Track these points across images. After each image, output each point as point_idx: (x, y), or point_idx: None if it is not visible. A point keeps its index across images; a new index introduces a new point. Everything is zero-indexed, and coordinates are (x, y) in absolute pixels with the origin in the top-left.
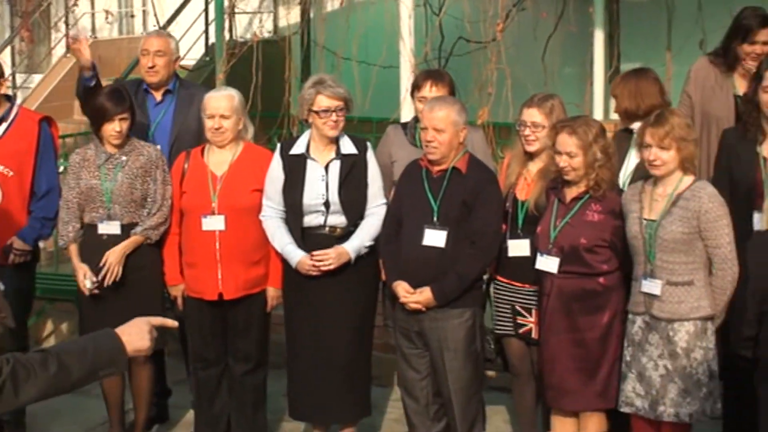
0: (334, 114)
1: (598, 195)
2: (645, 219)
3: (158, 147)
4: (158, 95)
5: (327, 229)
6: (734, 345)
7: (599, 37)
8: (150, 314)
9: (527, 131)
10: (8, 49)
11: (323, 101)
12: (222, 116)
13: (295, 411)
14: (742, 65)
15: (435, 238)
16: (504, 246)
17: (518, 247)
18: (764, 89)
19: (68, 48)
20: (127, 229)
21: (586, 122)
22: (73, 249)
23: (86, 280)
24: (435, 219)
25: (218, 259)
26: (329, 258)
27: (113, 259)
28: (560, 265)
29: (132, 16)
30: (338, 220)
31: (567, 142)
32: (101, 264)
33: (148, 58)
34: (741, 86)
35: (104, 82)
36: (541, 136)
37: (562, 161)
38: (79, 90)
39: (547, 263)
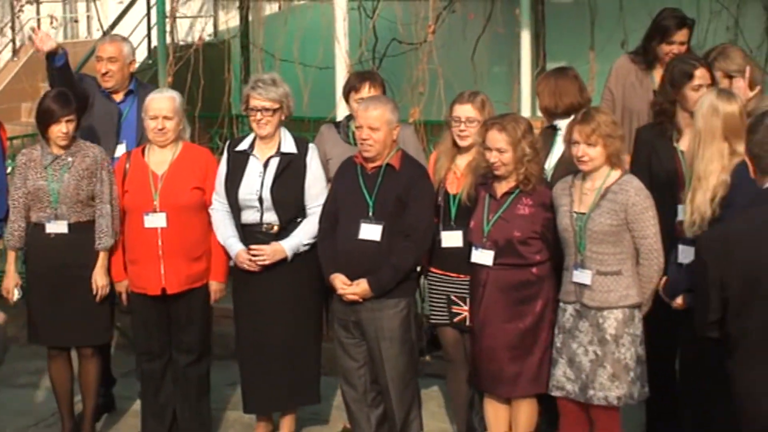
0: (259, 114)
1: (528, 189)
2: (575, 212)
3: (101, 148)
4: (118, 96)
5: (264, 226)
6: (700, 329)
7: (526, 38)
8: (98, 309)
9: (462, 126)
10: None
11: (253, 101)
12: (165, 117)
13: (246, 403)
14: (661, 63)
15: (371, 232)
16: (438, 238)
17: (451, 239)
18: (694, 88)
19: (14, 53)
20: (73, 229)
21: (514, 119)
22: (12, 256)
23: (15, 290)
24: (370, 214)
25: (161, 255)
26: (264, 253)
27: (102, 282)
28: (495, 258)
29: (76, 21)
30: (272, 217)
31: (497, 138)
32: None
33: (102, 64)
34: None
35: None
36: (473, 131)
37: (493, 157)
38: (53, 75)
39: (482, 256)
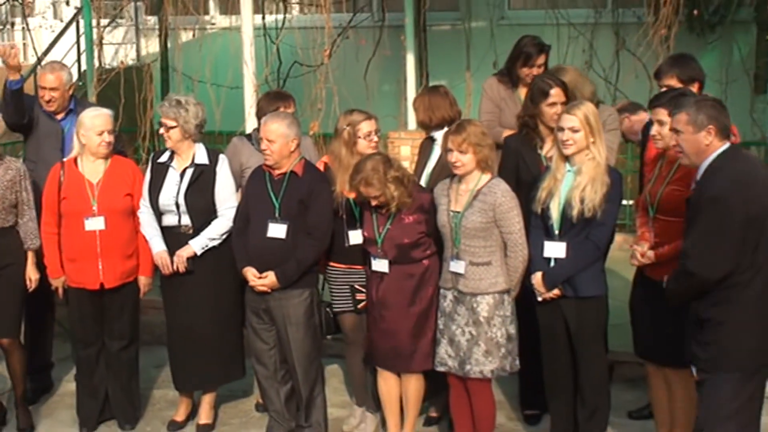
0: (162, 128)
1: (404, 207)
2: (452, 210)
3: (21, 161)
4: (59, 115)
5: (181, 228)
6: (706, 285)
7: (410, 60)
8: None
9: (374, 138)
10: None
11: (162, 118)
12: (108, 132)
13: (175, 381)
14: (523, 84)
15: (277, 230)
16: (346, 236)
17: (356, 237)
18: (549, 105)
19: None
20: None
21: (375, 166)
22: None
23: None
24: (277, 215)
25: (99, 254)
26: (178, 260)
27: (35, 276)
28: (390, 264)
29: (12, 47)
30: (187, 220)
31: (371, 186)
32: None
33: (45, 92)
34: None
35: None
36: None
37: (371, 198)
38: (6, 95)
39: (380, 265)
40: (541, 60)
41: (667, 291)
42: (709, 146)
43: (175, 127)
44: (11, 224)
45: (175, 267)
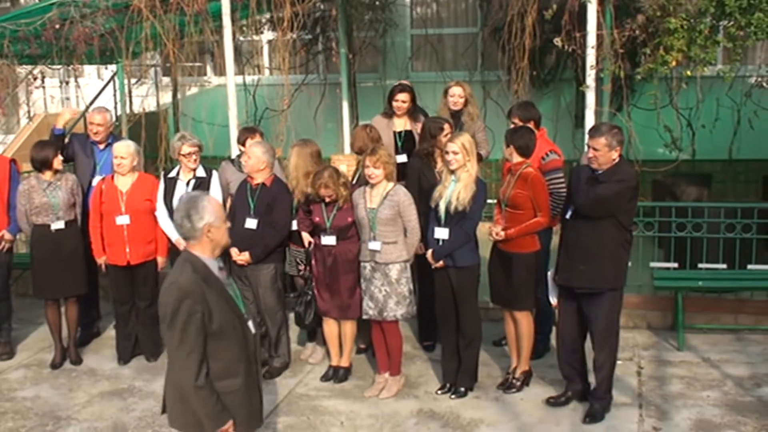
0: (194, 155)
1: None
2: (369, 207)
3: (73, 176)
4: (102, 146)
5: None
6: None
7: (345, 106)
8: (81, 272)
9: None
10: None
11: (185, 149)
12: (122, 157)
13: None
14: (397, 116)
15: (251, 223)
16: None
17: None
18: (445, 135)
19: (29, 119)
20: (67, 225)
21: (330, 174)
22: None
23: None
24: (251, 212)
25: (126, 241)
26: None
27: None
28: (336, 240)
29: (67, 98)
30: None
31: (324, 191)
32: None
33: (92, 126)
34: (398, 126)
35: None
36: None
37: (324, 193)
38: (52, 136)
39: (329, 240)
40: (403, 96)
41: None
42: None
43: (199, 151)
44: (73, 218)
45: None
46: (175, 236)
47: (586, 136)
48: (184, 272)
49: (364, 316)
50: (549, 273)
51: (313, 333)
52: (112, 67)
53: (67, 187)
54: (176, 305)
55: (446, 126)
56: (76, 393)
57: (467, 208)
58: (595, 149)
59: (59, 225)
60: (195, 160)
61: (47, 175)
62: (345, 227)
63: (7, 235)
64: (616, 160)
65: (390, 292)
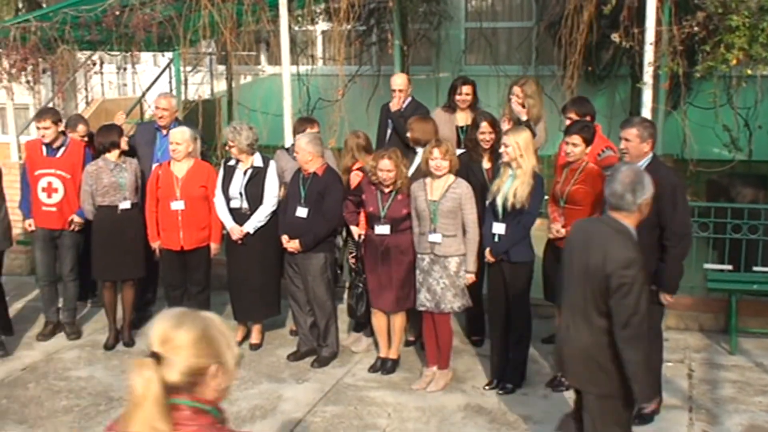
0: (233, 148)
1: (403, 189)
2: (430, 200)
3: (135, 161)
4: (165, 131)
5: (242, 209)
6: None
7: None
8: (141, 256)
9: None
10: (51, 104)
11: (228, 141)
12: (177, 143)
13: (234, 314)
14: (460, 109)
15: (302, 212)
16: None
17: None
18: (481, 132)
19: (87, 103)
20: (132, 206)
21: (394, 150)
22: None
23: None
24: (302, 201)
25: (180, 226)
26: (236, 235)
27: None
28: (390, 231)
29: (125, 84)
30: (246, 204)
31: (386, 164)
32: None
33: (158, 111)
34: (461, 120)
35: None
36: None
37: (384, 174)
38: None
39: (382, 229)
40: (467, 89)
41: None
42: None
43: (233, 146)
44: (136, 201)
45: (235, 238)
46: (230, 224)
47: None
48: (627, 243)
49: (420, 308)
50: None
51: (363, 324)
52: (169, 55)
53: (132, 170)
54: (635, 274)
55: (484, 123)
56: (128, 375)
57: (525, 205)
58: (626, 140)
59: (126, 205)
60: (231, 149)
61: (114, 156)
62: (400, 218)
63: (77, 218)
64: (648, 153)
65: (449, 285)
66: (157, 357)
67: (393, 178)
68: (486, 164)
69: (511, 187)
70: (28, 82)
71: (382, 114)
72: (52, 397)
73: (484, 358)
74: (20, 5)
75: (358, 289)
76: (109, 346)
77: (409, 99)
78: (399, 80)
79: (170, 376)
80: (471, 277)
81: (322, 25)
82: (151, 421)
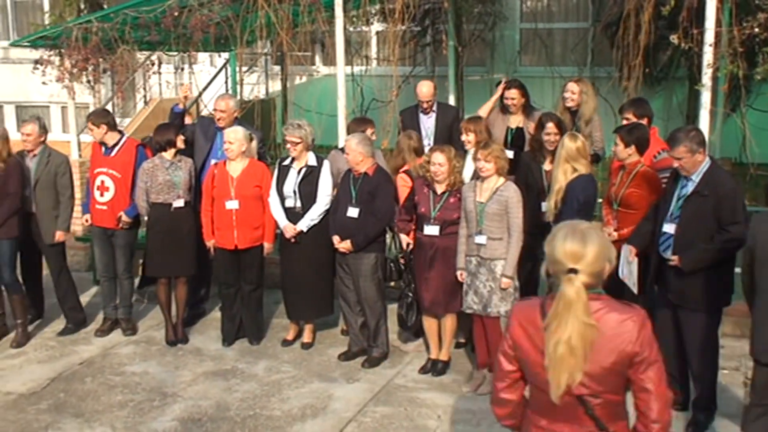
0: (290, 145)
1: (456, 189)
2: (477, 201)
3: (190, 160)
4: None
5: (296, 208)
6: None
7: (452, 99)
8: (193, 253)
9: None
10: (110, 104)
11: (286, 137)
12: (230, 142)
13: (288, 313)
14: (509, 110)
15: (353, 212)
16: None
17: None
18: (546, 133)
19: (146, 103)
20: (186, 204)
21: (447, 146)
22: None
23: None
24: (354, 201)
25: (234, 225)
26: (292, 235)
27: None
28: (439, 231)
29: (181, 84)
30: (299, 203)
31: (439, 157)
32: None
33: (216, 113)
34: (513, 122)
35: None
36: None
37: (436, 168)
38: (171, 115)
39: (431, 230)
40: (513, 93)
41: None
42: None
43: (300, 142)
44: (189, 200)
45: (288, 236)
46: (284, 222)
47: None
48: None
49: (467, 310)
50: (625, 248)
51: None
52: (225, 55)
53: (186, 168)
54: None
55: (549, 124)
56: (182, 371)
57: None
58: (678, 158)
59: (179, 203)
60: (292, 150)
61: (169, 154)
62: (450, 221)
63: (125, 217)
64: (704, 160)
65: (495, 288)
66: (575, 271)
67: (444, 173)
68: (547, 166)
69: (552, 194)
70: (88, 81)
71: (409, 119)
72: (108, 392)
73: None
74: (82, 6)
75: (408, 298)
76: (170, 342)
77: (436, 104)
78: (426, 90)
79: (586, 281)
80: (508, 282)
81: (376, 26)
82: (581, 318)
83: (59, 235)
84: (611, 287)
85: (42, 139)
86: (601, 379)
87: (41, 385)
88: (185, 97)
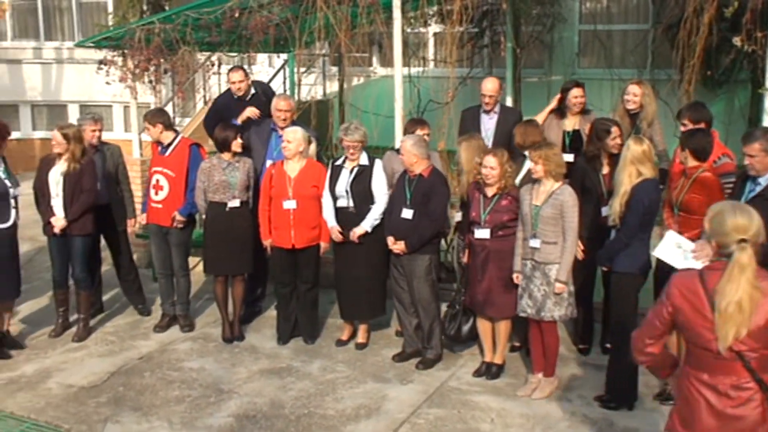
0: (351, 149)
1: (506, 192)
2: (533, 204)
3: (250, 160)
4: (281, 132)
5: (348, 208)
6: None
7: (509, 101)
8: (249, 252)
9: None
10: (170, 104)
11: (346, 141)
12: (288, 141)
13: (341, 312)
14: (570, 112)
15: (408, 213)
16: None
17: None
18: (612, 139)
19: (205, 103)
20: (241, 205)
21: (501, 150)
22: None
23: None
24: (408, 203)
25: (291, 225)
26: (353, 235)
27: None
28: (490, 235)
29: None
30: (352, 203)
31: (491, 161)
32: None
33: (279, 113)
34: (568, 125)
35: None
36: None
37: (488, 171)
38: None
39: (482, 233)
40: (576, 92)
41: None
42: None
43: (360, 145)
44: (246, 200)
45: (353, 238)
46: (332, 223)
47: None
48: None
49: (521, 314)
50: (669, 234)
51: (453, 337)
52: (283, 56)
53: (244, 169)
54: None
55: (614, 129)
56: (238, 368)
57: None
58: (750, 156)
59: (235, 204)
60: (353, 153)
61: (227, 155)
62: (500, 224)
63: (178, 216)
64: None
65: (549, 292)
66: (745, 241)
67: (496, 177)
68: (605, 170)
69: (616, 198)
70: (150, 81)
71: (470, 119)
72: (165, 387)
73: (591, 367)
74: (145, 7)
75: (454, 308)
76: (226, 339)
77: (499, 105)
78: (490, 85)
79: (751, 250)
80: (561, 287)
81: (434, 27)
82: (751, 281)
83: (132, 222)
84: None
85: (100, 135)
86: (758, 336)
87: (101, 379)
88: (249, 118)
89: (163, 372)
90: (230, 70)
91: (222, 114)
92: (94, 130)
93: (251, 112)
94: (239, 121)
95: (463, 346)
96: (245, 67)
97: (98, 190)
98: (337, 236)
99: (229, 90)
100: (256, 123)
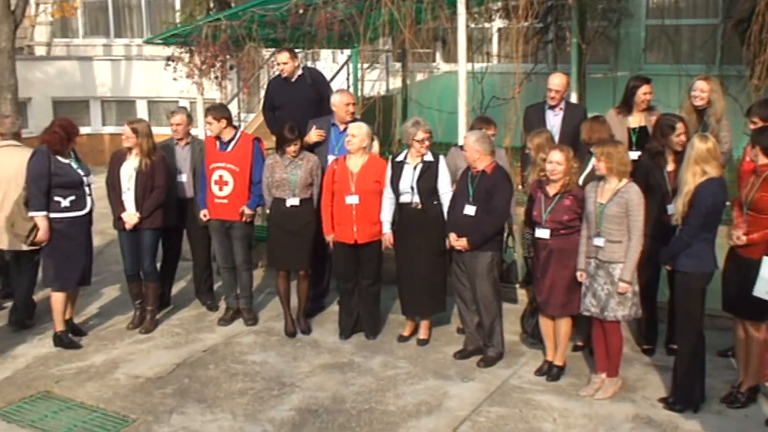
0: (426, 140)
1: (569, 191)
2: (598, 202)
3: (315, 158)
4: (342, 128)
5: (413, 204)
6: None
7: (574, 97)
8: (309, 248)
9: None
10: (236, 99)
11: (419, 135)
12: (352, 135)
13: (402, 308)
14: (637, 109)
15: (470, 210)
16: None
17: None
18: (677, 135)
19: None
20: (302, 202)
21: (567, 146)
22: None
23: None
24: (471, 199)
25: (354, 220)
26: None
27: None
28: (550, 235)
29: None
30: (417, 199)
31: (557, 156)
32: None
33: (347, 107)
34: (633, 122)
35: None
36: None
37: (553, 166)
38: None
39: (542, 233)
40: (645, 89)
41: None
42: None
43: (426, 139)
44: (308, 196)
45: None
46: (387, 228)
47: None
48: None
49: (585, 313)
50: (766, 261)
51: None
52: (347, 52)
53: (306, 167)
54: None
55: (679, 125)
56: (300, 362)
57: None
58: None
59: (294, 201)
60: (427, 146)
61: (289, 153)
62: (561, 223)
63: (247, 210)
64: None
65: (612, 292)
66: None
67: (561, 173)
68: (670, 167)
69: (680, 197)
70: (216, 77)
71: (535, 115)
72: (229, 379)
73: (656, 368)
74: (211, 5)
75: (533, 304)
76: (288, 333)
77: (564, 102)
78: (558, 80)
79: None
80: (625, 287)
81: (498, 23)
82: None
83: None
84: None
85: (189, 128)
86: None
87: (167, 371)
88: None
89: (227, 365)
90: (276, 51)
91: (272, 97)
92: (178, 124)
93: (318, 135)
94: (308, 141)
95: (525, 343)
96: (308, 62)
97: (182, 183)
98: (390, 243)
99: (280, 74)
100: (317, 119)
